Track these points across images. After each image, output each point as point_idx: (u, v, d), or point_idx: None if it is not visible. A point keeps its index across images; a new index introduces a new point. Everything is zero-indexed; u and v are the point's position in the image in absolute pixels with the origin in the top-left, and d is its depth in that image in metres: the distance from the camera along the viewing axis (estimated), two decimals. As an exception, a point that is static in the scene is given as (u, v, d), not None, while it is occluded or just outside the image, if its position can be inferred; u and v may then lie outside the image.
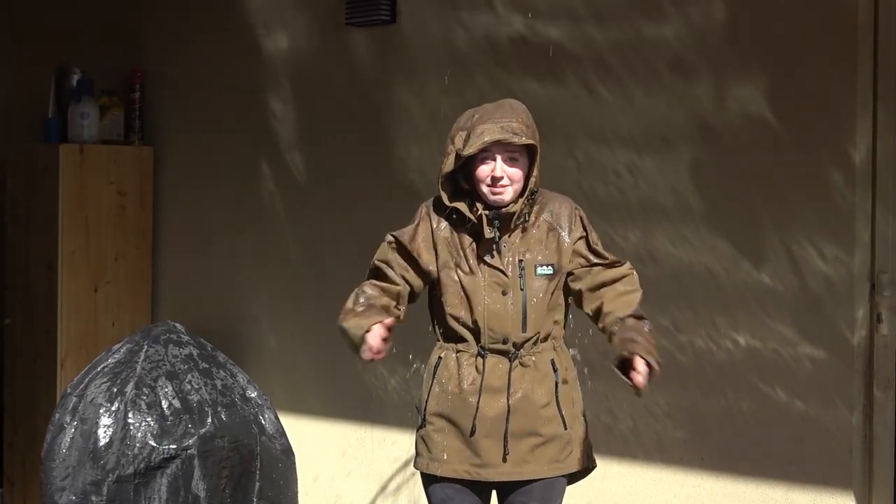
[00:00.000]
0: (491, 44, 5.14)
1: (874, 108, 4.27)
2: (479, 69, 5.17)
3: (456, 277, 3.74)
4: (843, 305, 4.26)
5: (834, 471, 4.27)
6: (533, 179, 3.71)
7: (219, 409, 4.52)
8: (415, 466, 3.85)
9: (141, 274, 6.39)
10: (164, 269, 6.42)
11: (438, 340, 3.83)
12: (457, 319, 3.75)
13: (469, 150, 3.64)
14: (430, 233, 3.78)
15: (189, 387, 4.52)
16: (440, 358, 3.80)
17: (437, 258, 3.77)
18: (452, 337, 3.78)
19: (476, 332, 3.73)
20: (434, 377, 3.79)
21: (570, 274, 3.77)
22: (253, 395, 4.67)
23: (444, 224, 3.78)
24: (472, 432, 3.70)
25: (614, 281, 3.74)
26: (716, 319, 4.53)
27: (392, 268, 3.79)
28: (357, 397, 5.58)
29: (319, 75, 5.75)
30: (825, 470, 4.29)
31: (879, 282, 4.28)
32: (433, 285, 3.81)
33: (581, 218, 3.79)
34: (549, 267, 3.73)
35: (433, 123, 5.31)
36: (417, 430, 3.84)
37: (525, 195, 3.71)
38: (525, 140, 3.66)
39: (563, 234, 3.75)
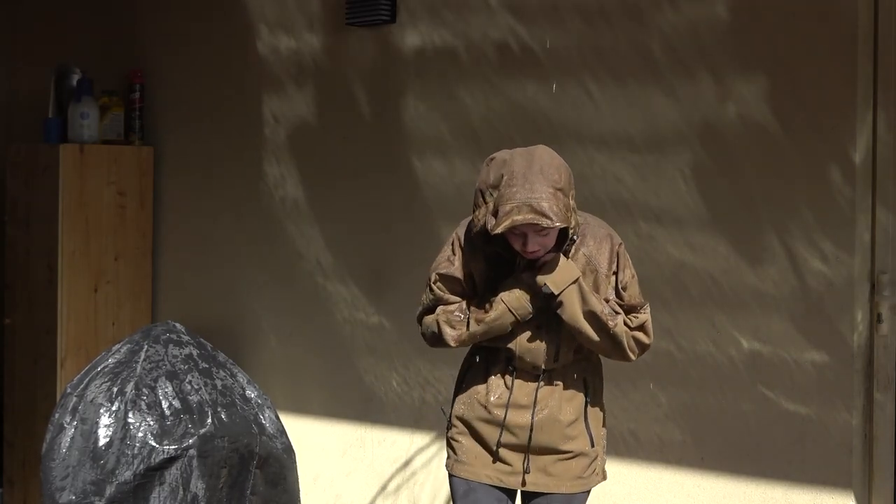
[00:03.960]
0: (491, 44, 5.14)
1: (874, 108, 4.27)
2: (480, 70, 5.17)
3: None
4: (843, 305, 4.26)
5: (834, 471, 4.27)
6: (571, 230, 3.61)
7: (219, 409, 4.52)
8: (445, 466, 3.88)
9: (141, 274, 6.39)
10: (164, 269, 6.42)
11: (470, 347, 3.84)
12: (489, 346, 3.76)
13: (497, 230, 3.52)
14: (466, 262, 3.74)
15: (189, 387, 4.52)
16: (470, 366, 3.82)
17: (474, 289, 3.76)
18: (484, 350, 3.79)
19: (508, 357, 3.74)
20: (463, 383, 3.83)
21: None
22: (253, 395, 4.67)
23: (478, 256, 3.73)
24: (497, 444, 3.72)
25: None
26: (716, 320, 4.53)
27: (449, 300, 3.75)
28: (357, 397, 5.58)
29: (319, 75, 5.75)
30: (825, 470, 4.29)
31: (879, 282, 4.28)
32: None
33: (618, 255, 3.72)
34: None
35: (433, 124, 5.31)
36: (446, 432, 3.87)
37: (565, 245, 3.65)
38: (556, 224, 3.50)
39: (600, 271, 3.71)
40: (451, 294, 3.75)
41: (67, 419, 4.45)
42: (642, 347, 3.76)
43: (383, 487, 5.48)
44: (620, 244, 3.76)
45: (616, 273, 3.73)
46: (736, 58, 4.49)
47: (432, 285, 3.78)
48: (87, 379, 4.55)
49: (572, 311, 3.64)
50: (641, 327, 3.74)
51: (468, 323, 3.69)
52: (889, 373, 4.30)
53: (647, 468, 4.69)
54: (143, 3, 6.54)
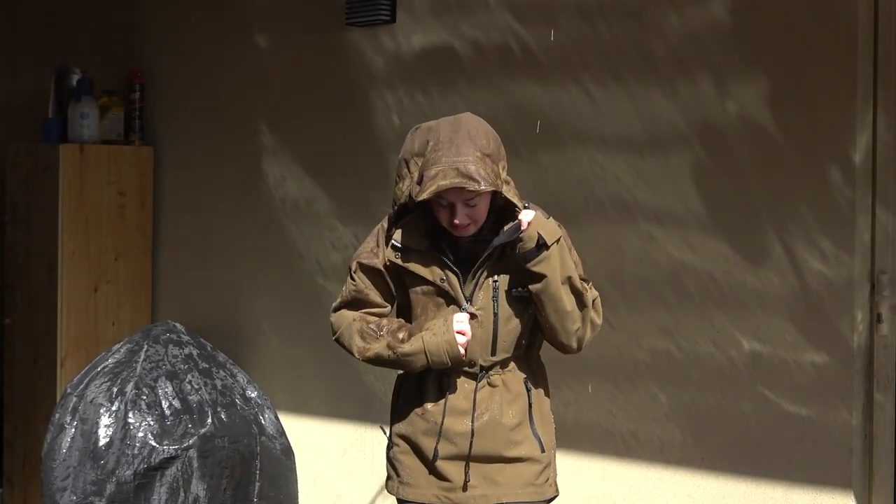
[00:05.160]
0: (491, 44, 5.14)
1: (874, 109, 4.28)
2: (480, 70, 5.17)
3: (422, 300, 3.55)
4: (843, 305, 4.26)
5: (834, 471, 4.27)
6: (520, 201, 3.46)
7: (219, 409, 4.52)
8: (386, 489, 3.69)
9: (141, 274, 6.39)
10: (164, 269, 6.42)
11: None
12: None
13: (422, 196, 3.34)
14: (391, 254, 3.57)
15: (189, 387, 4.53)
16: (405, 375, 3.62)
17: (401, 282, 3.58)
18: None
19: None
20: (399, 396, 3.64)
21: None
22: (253, 395, 4.68)
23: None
24: (435, 455, 3.51)
25: None
26: (716, 320, 4.53)
27: (370, 295, 3.61)
28: (357, 397, 5.58)
29: (319, 75, 5.76)
30: (825, 470, 4.29)
31: (879, 282, 4.28)
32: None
33: (559, 238, 3.56)
34: (526, 290, 3.49)
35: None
36: (387, 452, 3.68)
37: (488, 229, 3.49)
38: (483, 187, 3.31)
39: None
40: (373, 287, 3.58)
41: (68, 419, 4.45)
42: (594, 329, 3.57)
43: (383, 487, 5.48)
44: (559, 227, 3.56)
45: None
46: (736, 58, 4.49)
47: (353, 274, 3.60)
48: (87, 379, 4.55)
49: (553, 269, 3.43)
50: (593, 303, 3.56)
51: (379, 344, 3.50)
52: (889, 373, 4.30)
53: (647, 468, 4.69)
54: (142, 3, 6.54)
